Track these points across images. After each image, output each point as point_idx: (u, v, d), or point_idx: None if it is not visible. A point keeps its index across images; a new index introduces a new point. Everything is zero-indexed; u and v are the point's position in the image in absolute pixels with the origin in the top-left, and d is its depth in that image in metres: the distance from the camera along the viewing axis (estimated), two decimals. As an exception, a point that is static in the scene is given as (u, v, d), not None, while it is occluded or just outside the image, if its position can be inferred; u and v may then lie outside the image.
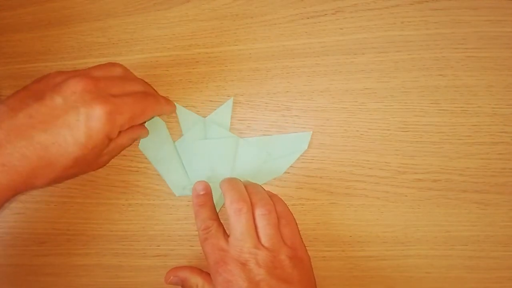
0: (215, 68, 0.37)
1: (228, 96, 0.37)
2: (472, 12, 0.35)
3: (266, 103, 0.36)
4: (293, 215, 0.34)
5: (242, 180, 0.34)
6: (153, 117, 0.36)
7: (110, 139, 0.30)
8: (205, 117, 0.37)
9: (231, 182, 0.33)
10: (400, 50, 0.35)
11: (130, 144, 0.35)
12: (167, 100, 0.36)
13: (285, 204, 0.34)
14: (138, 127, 0.34)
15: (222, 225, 0.33)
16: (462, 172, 0.34)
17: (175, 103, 0.37)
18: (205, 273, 0.33)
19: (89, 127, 0.28)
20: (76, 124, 0.28)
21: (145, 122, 0.36)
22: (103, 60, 0.39)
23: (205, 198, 0.34)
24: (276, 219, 0.31)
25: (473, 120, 0.34)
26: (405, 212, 0.34)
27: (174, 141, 0.37)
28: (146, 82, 0.35)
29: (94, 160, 0.31)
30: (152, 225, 0.37)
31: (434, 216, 0.34)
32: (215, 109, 0.37)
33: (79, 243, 0.37)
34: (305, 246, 0.33)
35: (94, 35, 0.40)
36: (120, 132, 0.31)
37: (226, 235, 0.32)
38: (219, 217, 0.34)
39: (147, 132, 0.36)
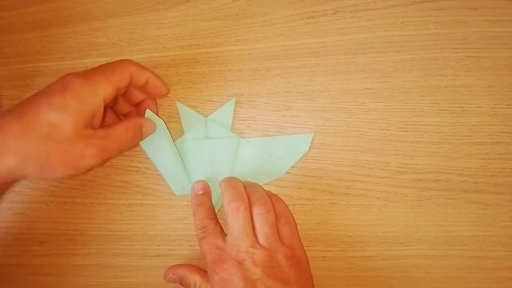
0: (215, 68, 0.37)
1: (228, 96, 0.37)
2: (472, 12, 0.35)
3: (266, 103, 0.36)
4: (293, 215, 0.34)
5: (242, 180, 0.34)
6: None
7: (94, 106, 0.29)
8: (205, 117, 0.37)
9: (230, 181, 0.33)
10: (400, 50, 0.35)
11: (134, 143, 0.33)
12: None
13: (285, 203, 0.34)
14: (136, 118, 0.33)
15: (220, 224, 0.33)
16: (462, 172, 0.34)
17: (177, 102, 0.37)
18: (204, 271, 0.33)
19: (63, 88, 0.28)
20: (52, 90, 0.28)
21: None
22: (103, 60, 0.39)
23: (203, 197, 0.34)
24: (274, 219, 0.31)
25: (473, 120, 0.34)
26: (405, 212, 0.34)
27: (174, 140, 0.37)
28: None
29: (75, 134, 0.28)
30: (152, 225, 0.37)
31: (434, 216, 0.34)
32: (215, 109, 0.37)
33: (79, 243, 0.37)
34: (303, 246, 0.33)
35: (94, 35, 0.40)
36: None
37: (223, 234, 0.32)
38: (218, 217, 0.34)
39: (153, 126, 0.34)
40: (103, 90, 0.30)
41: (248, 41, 0.37)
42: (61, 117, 0.27)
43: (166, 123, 0.37)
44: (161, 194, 0.37)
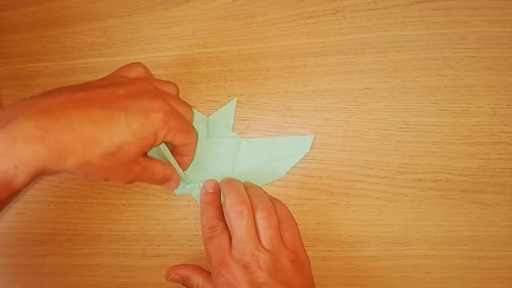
0: (215, 68, 0.37)
1: (228, 96, 0.37)
2: (472, 12, 0.35)
3: (266, 103, 0.36)
4: (293, 215, 0.34)
5: (241, 181, 0.34)
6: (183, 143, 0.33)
7: (155, 141, 0.29)
8: (207, 117, 0.37)
9: (232, 184, 0.33)
10: (400, 50, 0.35)
11: (158, 183, 0.33)
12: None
13: (287, 208, 0.34)
14: (172, 168, 0.33)
15: (228, 227, 0.33)
16: (462, 172, 0.34)
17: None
18: (206, 273, 0.33)
19: (146, 116, 0.28)
20: (134, 111, 0.28)
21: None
22: (103, 60, 0.39)
23: (213, 196, 0.34)
24: (276, 222, 0.31)
25: (473, 120, 0.34)
26: (405, 212, 0.34)
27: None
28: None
29: (131, 160, 0.29)
30: (152, 225, 0.37)
31: (434, 216, 0.34)
32: (215, 109, 0.37)
33: (79, 243, 0.37)
34: (306, 251, 0.33)
35: (94, 35, 0.40)
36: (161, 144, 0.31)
37: (230, 237, 0.32)
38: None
39: (176, 185, 0.34)
40: (166, 138, 0.30)
41: (248, 41, 0.37)
42: (131, 143, 0.28)
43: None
44: (161, 194, 0.37)
